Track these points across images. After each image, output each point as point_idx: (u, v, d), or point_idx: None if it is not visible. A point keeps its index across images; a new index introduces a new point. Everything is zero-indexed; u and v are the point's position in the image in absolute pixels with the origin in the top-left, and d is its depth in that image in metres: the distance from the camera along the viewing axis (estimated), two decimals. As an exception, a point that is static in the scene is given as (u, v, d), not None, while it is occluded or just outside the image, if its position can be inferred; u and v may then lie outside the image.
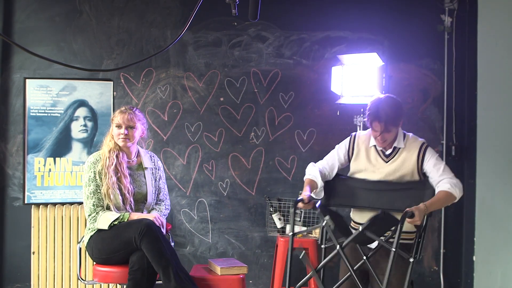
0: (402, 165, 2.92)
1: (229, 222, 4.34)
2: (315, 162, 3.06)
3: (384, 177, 2.94)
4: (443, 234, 4.45)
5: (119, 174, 3.27)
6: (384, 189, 2.93)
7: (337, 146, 3.09)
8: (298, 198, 2.80)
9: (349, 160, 3.05)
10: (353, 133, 3.09)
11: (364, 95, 3.77)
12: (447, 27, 4.46)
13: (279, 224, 4.01)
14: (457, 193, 2.77)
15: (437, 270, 4.47)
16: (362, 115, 3.89)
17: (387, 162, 2.95)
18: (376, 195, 2.95)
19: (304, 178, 2.99)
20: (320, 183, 2.93)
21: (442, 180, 2.81)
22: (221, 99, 4.34)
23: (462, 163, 4.45)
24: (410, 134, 3.01)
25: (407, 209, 2.62)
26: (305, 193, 2.82)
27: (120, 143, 3.34)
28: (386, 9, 4.45)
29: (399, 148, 2.93)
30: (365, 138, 3.01)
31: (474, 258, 4.27)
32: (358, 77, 3.75)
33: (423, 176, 2.91)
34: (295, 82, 4.40)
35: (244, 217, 4.35)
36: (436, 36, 4.48)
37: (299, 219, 3.95)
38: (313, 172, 2.98)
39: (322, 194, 3.00)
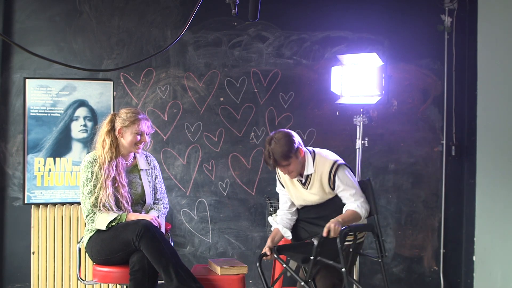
0: (322, 189, 3.06)
1: (229, 222, 4.34)
2: None
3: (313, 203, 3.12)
4: (443, 234, 4.46)
5: (116, 184, 3.20)
6: (324, 215, 3.08)
7: (276, 183, 3.29)
8: (261, 253, 3.04)
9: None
10: None
11: (364, 95, 3.77)
12: (447, 27, 4.46)
13: (279, 224, 4.01)
14: (363, 213, 2.98)
15: (437, 270, 4.47)
16: (361, 115, 3.89)
17: (306, 189, 3.10)
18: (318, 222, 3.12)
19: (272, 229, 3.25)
20: (283, 230, 3.16)
21: (352, 201, 3.01)
22: (221, 99, 4.34)
23: (462, 163, 4.46)
24: (321, 153, 3.11)
25: (324, 232, 2.83)
26: (266, 247, 3.06)
27: (136, 150, 3.30)
28: (386, 9, 4.45)
29: (311, 174, 3.06)
30: None
31: (474, 258, 4.27)
32: (358, 77, 3.75)
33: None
34: (295, 82, 4.40)
35: (244, 217, 4.35)
36: (436, 36, 4.48)
37: None
38: (277, 219, 3.23)
39: (289, 233, 3.19)
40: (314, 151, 3.10)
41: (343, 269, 2.77)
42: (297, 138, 3.02)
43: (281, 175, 3.19)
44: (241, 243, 4.34)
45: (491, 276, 4.07)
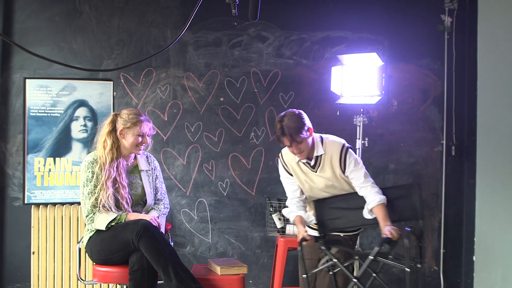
0: (332, 172, 3.06)
1: (229, 222, 4.34)
2: None
3: (326, 188, 3.10)
4: (443, 234, 4.46)
5: (117, 185, 3.19)
6: (355, 207, 3.07)
7: (280, 174, 3.22)
8: (300, 238, 2.99)
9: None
10: (280, 154, 3.21)
11: (364, 95, 3.77)
12: (447, 27, 4.46)
13: (279, 224, 4.01)
14: (384, 198, 2.99)
15: (437, 270, 4.47)
16: (361, 115, 3.89)
17: (316, 172, 3.09)
18: (352, 213, 3.12)
19: (291, 219, 3.15)
20: (305, 215, 3.11)
21: (369, 192, 2.99)
22: (221, 99, 4.34)
23: (462, 163, 4.46)
24: (329, 137, 3.13)
25: (388, 235, 2.86)
26: (303, 232, 3.01)
27: (137, 151, 3.28)
28: (386, 9, 4.45)
29: (321, 155, 3.07)
30: (290, 156, 3.13)
31: (474, 258, 4.27)
32: (358, 77, 3.75)
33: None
34: (295, 82, 4.40)
35: (244, 217, 4.35)
36: (436, 36, 4.48)
37: None
38: (293, 208, 3.14)
39: (313, 218, 3.16)
40: (321, 136, 3.15)
41: (407, 269, 2.78)
42: (307, 118, 3.05)
43: (287, 163, 3.16)
44: (241, 243, 4.35)
45: (491, 276, 4.07)
